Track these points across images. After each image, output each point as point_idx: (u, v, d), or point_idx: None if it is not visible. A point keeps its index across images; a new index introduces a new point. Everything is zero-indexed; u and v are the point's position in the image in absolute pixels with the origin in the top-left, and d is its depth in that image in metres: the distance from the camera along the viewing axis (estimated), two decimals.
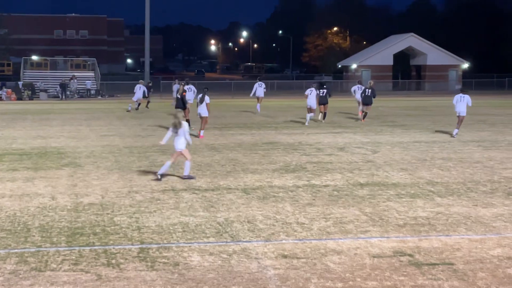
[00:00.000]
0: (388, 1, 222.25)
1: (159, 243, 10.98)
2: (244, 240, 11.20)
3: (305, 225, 12.18)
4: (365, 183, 16.29)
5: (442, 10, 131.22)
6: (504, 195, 14.80)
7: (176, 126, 16.39)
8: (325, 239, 11.26)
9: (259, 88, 41.11)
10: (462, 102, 27.13)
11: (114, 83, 70.61)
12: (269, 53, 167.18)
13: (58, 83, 63.29)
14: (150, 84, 49.38)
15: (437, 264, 9.89)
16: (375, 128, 30.27)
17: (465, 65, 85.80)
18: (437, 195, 14.90)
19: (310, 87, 33.51)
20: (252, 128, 30.44)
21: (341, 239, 11.25)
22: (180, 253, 10.45)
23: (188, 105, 29.06)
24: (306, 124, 32.04)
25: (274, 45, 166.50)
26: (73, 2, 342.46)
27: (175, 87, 43.47)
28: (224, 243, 10.99)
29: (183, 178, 16.74)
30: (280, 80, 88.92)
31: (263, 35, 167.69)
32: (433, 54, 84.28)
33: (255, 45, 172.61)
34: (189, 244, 10.92)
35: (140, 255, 10.36)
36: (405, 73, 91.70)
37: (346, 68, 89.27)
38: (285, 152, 22.09)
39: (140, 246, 10.84)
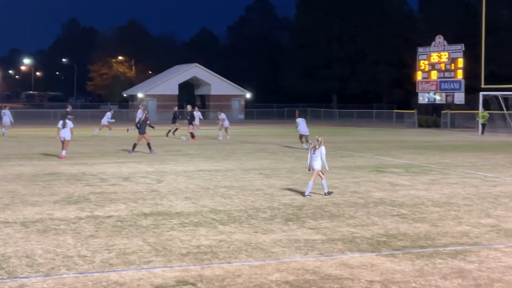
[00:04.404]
0: (173, 31, 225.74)
1: None
2: (22, 276, 10.72)
3: (87, 257, 11.90)
4: (149, 213, 16.26)
5: (225, 41, 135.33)
6: (283, 221, 15.38)
7: (315, 148, 18.44)
8: (108, 271, 11.06)
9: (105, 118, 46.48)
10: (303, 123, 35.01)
11: None
12: (53, 81, 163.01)
13: None
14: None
15: None
16: (159, 157, 30.35)
17: (248, 95, 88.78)
18: (220, 223, 15.18)
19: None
20: (33, 158, 29.38)
21: (124, 270, 11.11)
22: None
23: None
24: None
25: (58, 73, 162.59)
26: None
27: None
28: None
29: (325, 195, 18.71)
30: (64, 109, 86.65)
31: (46, 63, 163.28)
32: (217, 84, 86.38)
33: (38, 73, 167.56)
34: None
35: None
36: (191, 103, 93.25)
37: (132, 97, 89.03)
38: (67, 183, 21.53)
39: None
